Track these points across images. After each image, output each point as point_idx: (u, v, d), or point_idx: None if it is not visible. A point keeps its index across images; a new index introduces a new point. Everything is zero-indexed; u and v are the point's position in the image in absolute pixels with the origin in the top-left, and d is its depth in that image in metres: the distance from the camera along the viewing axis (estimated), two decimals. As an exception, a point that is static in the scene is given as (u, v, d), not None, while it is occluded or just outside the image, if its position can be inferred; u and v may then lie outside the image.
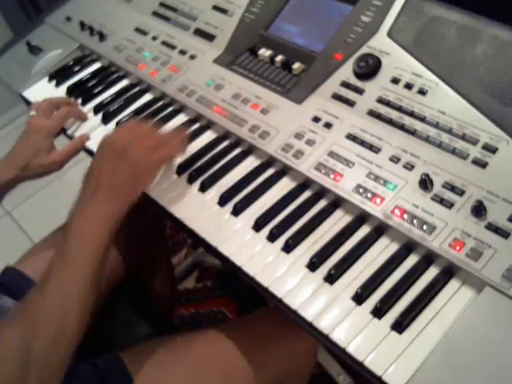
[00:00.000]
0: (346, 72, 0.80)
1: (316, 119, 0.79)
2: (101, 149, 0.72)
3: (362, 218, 0.70)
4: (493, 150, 0.67)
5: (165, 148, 0.73)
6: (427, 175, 0.66)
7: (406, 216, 0.65)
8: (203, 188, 0.78)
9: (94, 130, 0.94)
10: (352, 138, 0.75)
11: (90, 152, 0.92)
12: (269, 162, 0.80)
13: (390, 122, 0.74)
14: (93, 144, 0.91)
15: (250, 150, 0.82)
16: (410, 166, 0.70)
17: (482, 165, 0.66)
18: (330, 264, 0.65)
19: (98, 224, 0.66)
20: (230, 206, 0.75)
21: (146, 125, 0.78)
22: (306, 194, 0.75)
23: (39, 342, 0.59)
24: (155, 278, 1.11)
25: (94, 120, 0.96)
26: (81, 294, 0.63)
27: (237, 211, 0.74)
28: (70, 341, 0.61)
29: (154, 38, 1.03)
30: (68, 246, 0.65)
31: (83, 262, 0.64)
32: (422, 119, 0.72)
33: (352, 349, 0.58)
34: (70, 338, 0.61)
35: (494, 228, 0.61)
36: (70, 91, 1.04)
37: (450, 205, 0.65)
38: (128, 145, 0.69)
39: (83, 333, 0.63)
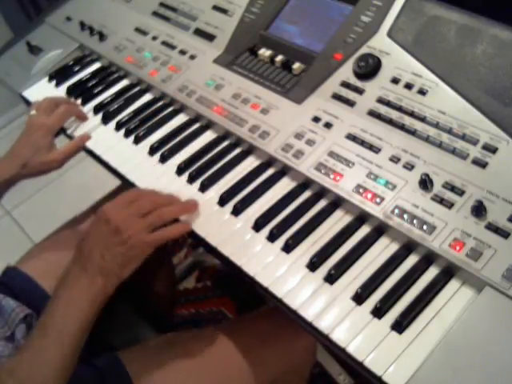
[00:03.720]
0: (346, 72, 0.80)
1: (316, 119, 0.79)
2: (98, 220, 0.69)
3: (362, 217, 0.70)
4: (493, 149, 0.67)
5: (163, 230, 0.70)
6: (427, 175, 0.66)
7: (406, 216, 0.65)
8: (203, 188, 0.78)
9: (94, 130, 0.94)
10: (352, 138, 0.75)
11: (90, 152, 0.92)
12: (269, 161, 0.80)
13: (390, 121, 0.74)
14: (93, 144, 0.91)
15: (250, 150, 0.82)
16: (409, 166, 0.70)
17: (482, 165, 0.66)
18: (330, 264, 0.65)
19: (83, 302, 0.66)
20: (229, 206, 0.75)
21: (148, 197, 0.72)
22: (306, 194, 0.75)
23: None
24: (155, 278, 1.11)
25: (94, 120, 0.96)
26: (59, 367, 0.63)
27: (237, 211, 0.74)
28: None
29: (154, 38, 1.03)
30: (51, 319, 0.65)
31: (64, 336, 0.64)
32: (422, 119, 0.72)
33: (352, 349, 0.58)
34: None
35: (493, 228, 0.61)
36: (70, 91, 1.04)
37: (450, 205, 0.65)
38: (125, 222, 0.67)
39: None
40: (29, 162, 0.87)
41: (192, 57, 0.96)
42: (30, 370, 0.62)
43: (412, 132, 0.72)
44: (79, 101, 1.01)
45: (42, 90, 1.06)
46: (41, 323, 0.66)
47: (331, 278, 0.64)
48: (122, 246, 0.67)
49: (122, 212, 0.69)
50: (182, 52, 0.98)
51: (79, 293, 0.66)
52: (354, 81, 0.79)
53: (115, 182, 0.99)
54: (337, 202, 0.72)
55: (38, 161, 0.88)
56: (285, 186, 0.76)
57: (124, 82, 1.02)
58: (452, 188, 0.66)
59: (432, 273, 0.63)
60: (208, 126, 0.88)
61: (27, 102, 1.07)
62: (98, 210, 0.70)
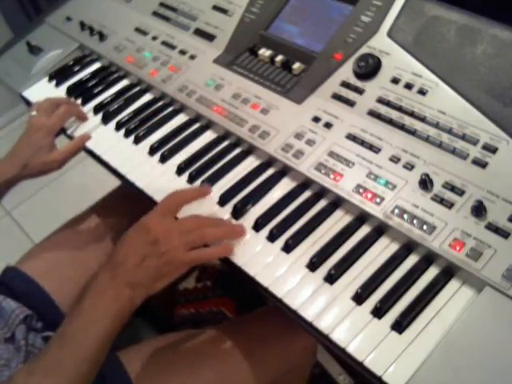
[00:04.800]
0: (346, 72, 0.80)
1: (316, 119, 0.79)
2: (138, 228, 0.67)
3: (362, 217, 0.70)
4: (493, 149, 0.67)
5: (202, 250, 0.67)
6: (427, 175, 0.66)
7: (406, 216, 0.65)
8: (203, 188, 0.78)
9: (94, 130, 0.94)
10: (352, 138, 0.75)
11: (90, 152, 0.92)
12: (269, 161, 0.80)
13: (390, 121, 0.74)
14: (93, 144, 0.91)
15: (250, 150, 0.82)
16: (410, 166, 0.70)
17: (482, 165, 0.66)
18: (330, 264, 0.65)
19: (107, 314, 0.62)
20: (229, 206, 0.75)
21: (195, 219, 0.69)
22: (306, 194, 0.75)
23: None
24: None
25: (94, 120, 0.96)
26: (74, 380, 0.61)
27: (237, 211, 0.74)
28: None
29: (154, 38, 1.03)
30: (71, 328, 0.63)
31: (82, 350, 0.61)
32: (422, 119, 0.72)
33: (352, 349, 0.58)
34: None
35: (493, 228, 0.61)
36: (70, 91, 1.04)
37: (449, 205, 0.65)
38: (165, 236, 0.64)
39: None
40: (29, 163, 0.87)
41: (192, 57, 0.96)
42: (44, 380, 0.60)
43: (412, 132, 0.72)
44: (79, 101, 1.01)
45: (42, 90, 1.06)
46: (60, 331, 0.63)
47: (331, 278, 0.64)
48: (158, 258, 0.63)
49: (165, 224, 0.66)
50: (182, 52, 0.98)
51: (104, 304, 0.63)
52: (354, 81, 0.79)
53: (115, 182, 1.00)
54: (337, 202, 0.72)
55: (39, 161, 0.88)
56: (285, 186, 0.76)
57: (124, 82, 1.02)
58: (452, 188, 0.66)
59: (432, 273, 0.63)
60: (208, 126, 0.88)
61: (27, 102, 1.07)
62: (140, 220, 0.67)
